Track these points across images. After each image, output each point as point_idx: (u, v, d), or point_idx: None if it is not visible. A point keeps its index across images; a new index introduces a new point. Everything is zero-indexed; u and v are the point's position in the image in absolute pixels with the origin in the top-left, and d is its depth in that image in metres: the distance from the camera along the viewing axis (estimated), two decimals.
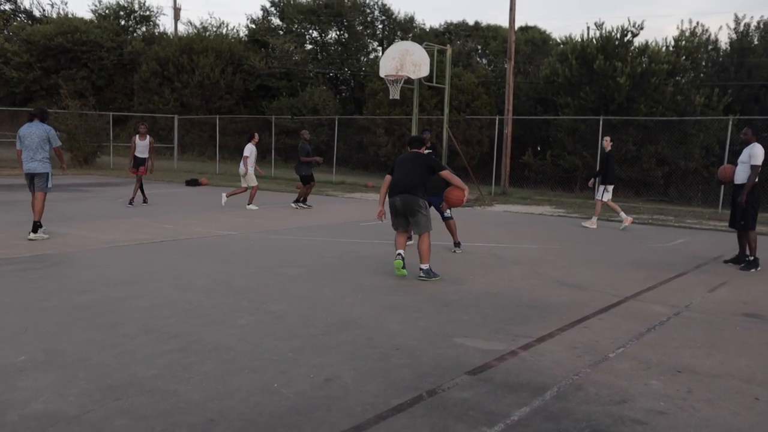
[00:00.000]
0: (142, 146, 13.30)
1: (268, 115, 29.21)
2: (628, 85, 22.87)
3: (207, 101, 32.80)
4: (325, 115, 28.77)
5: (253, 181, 13.49)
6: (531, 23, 40.06)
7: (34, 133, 8.65)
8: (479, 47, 37.40)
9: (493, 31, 38.04)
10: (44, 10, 42.29)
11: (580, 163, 23.45)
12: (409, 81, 16.46)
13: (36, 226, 8.64)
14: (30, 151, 8.65)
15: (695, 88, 23.51)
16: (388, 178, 7.12)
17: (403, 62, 15.69)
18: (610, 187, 12.15)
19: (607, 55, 23.70)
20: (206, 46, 33.53)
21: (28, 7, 49.35)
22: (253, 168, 13.44)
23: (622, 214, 12.18)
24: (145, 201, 13.47)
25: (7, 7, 39.78)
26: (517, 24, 35.42)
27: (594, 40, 24.62)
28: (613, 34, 24.41)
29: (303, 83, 33.51)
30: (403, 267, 6.95)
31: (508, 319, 5.40)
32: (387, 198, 7.16)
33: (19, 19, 40.49)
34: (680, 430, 3.37)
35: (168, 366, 4.05)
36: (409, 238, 8.89)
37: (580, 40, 25.18)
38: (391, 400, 3.62)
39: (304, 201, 14.05)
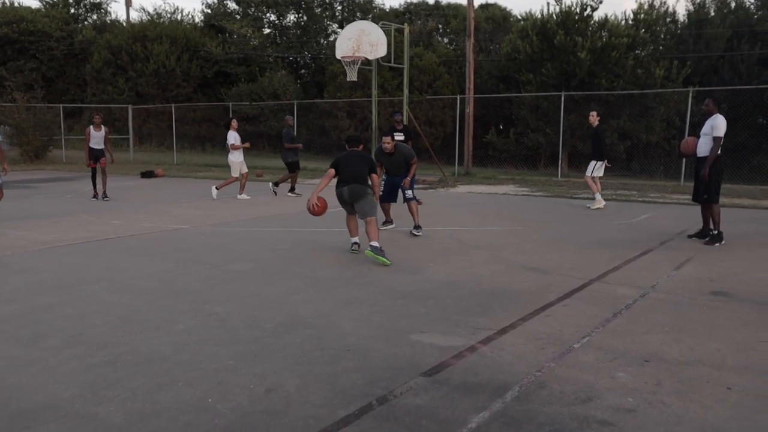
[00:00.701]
0: (97, 137, 12.69)
1: (226, 102, 28.44)
2: (588, 60, 22.73)
3: (163, 90, 31.82)
4: (286, 100, 28.12)
5: (236, 172, 13.17)
6: (491, 0, 39.58)
7: None
8: (440, 26, 36.95)
9: (454, 10, 37.60)
10: None
11: (543, 141, 23.32)
12: (367, 62, 16.02)
13: None
14: None
15: (655, 60, 23.48)
16: (331, 171, 7.19)
17: (360, 43, 15.24)
18: (601, 163, 11.77)
19: (568, 31, 23.50)
20: (160, 33, 32.42)
21: None
22: (238, 155, 13.19)
23: (598, 195, 11.78)
24: (95, 197, 12.85)
25: None
26: (477, 1, 35.18)
27: (554, 15, 24.39)
28: (572, 8, 24.20)
29: (262, 68, 32.71)
30: (384, 255, 6.72)
31: (468, 310, 5.10)
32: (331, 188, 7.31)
33: None
34: (649, 429, 3.11)
35: (92, 383, 3.65)
36: (388, 222, 9.20)
37: (540, 16, 24.93)
38: (337, 411, 3.29)
39: (292, 189, 13.98)
